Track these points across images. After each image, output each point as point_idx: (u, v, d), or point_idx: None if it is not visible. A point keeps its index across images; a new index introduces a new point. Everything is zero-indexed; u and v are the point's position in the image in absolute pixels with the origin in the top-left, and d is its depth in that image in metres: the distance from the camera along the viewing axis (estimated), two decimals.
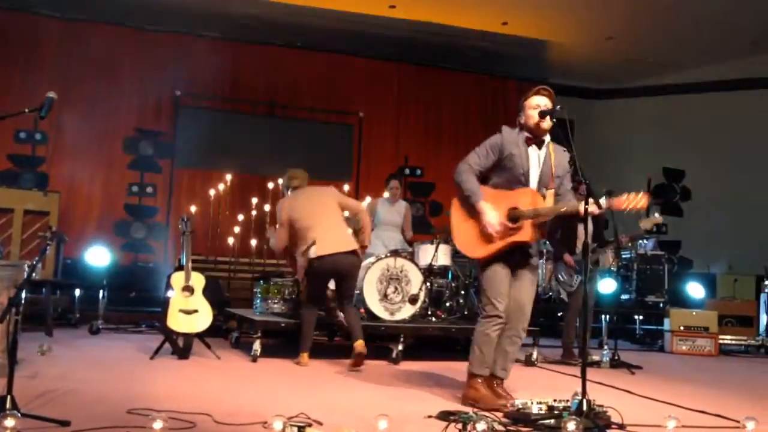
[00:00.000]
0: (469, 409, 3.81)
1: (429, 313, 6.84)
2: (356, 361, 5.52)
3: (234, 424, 3.35)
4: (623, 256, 9.04)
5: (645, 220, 6.55)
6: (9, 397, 3.07)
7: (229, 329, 7.23)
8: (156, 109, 10.72)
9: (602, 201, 3.91)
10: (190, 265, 5.80)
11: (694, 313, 8.65)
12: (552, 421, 3.51)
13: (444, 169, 11.87)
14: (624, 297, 9.26)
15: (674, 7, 9.82)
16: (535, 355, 6.47)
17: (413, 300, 6.44)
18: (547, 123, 4.13)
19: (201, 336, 5.87)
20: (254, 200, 8.95)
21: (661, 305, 9.18)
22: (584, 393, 3.53)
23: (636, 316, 9.50)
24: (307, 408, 3.56)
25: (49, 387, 4.04)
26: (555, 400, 3.69)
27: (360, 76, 11.81)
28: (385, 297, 6.38)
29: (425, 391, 4.68)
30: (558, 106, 4.12)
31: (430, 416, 3.70)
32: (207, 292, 5.87)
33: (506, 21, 10.66)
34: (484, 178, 4.32)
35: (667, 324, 8.60)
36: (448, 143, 12.21)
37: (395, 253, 6.62)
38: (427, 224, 10.12)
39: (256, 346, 5.77)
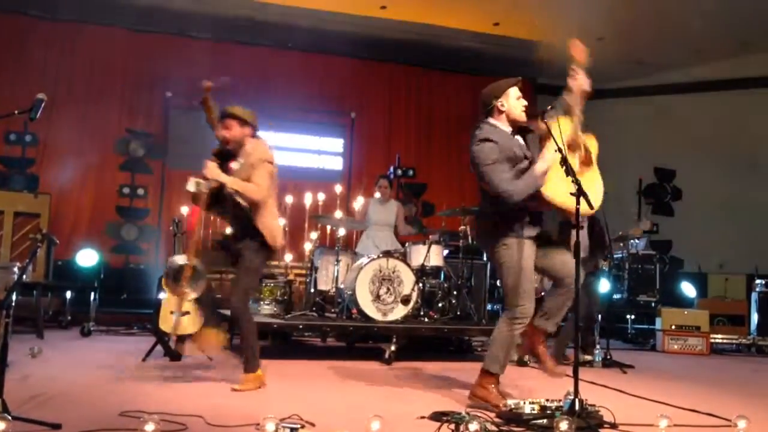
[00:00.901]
0: (461, 409, 3.81)
1: (421, 313, 6.85)
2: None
3: (226, 425, 3.34)
4: (615, 256, 9.07)
5: (635, 229, 6.55)
6: (0, 400, 3.06)
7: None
8: (147, 110, 10.69)
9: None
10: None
11: (685, 312, 8.68)
12: (544, 420, 3.51)
13: (436, 169, 11.94)
14: (616, 296, 9.29)
15: (664, 7, 9.87)
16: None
17: (406, 301, 6.44)
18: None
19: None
20: None
21: (653, 304, 9.22)
22: (576, 392, 3.54)
23: (628, 316, 9.53)
24: (300, 409, 3.56)
25: (40, 389, 4.02)
26: (547, 400, 3.70)
27: (351, 76, 11.81)
28: (377, 298, 6.38)
29: (418, 392, 4.68)
30: (549, 107, 4.12)
31: (422, 417, 3.69)
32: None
33: (498, 22, 10.69)
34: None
35: (658, 323, 8.64)
36: (439, 143, 12.23)
37: (387, 254, 6.62)
38: (419, 224, 10.13)
39: None
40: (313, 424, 3.34)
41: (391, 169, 10.62)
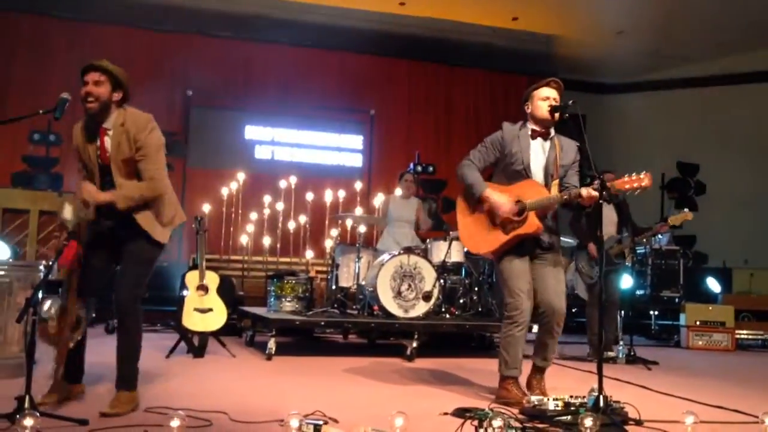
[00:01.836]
0: (485, 406, 3.80)
1: (443, 310, 6.84)
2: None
3: (250, 422, 3.35)
4: (638, 251, 8.99)
5: (674, 217, 6.51)
6: (27, 396, 3.09)
7: (243, 328, 7.26)
8: (168, 109, 10.75)
9: (597, 184, 3.85)
10: (204, 264, 5.82)
11: (710, 308, 8.59)
12: (569, 417, 3.49)
13: (455, 165, 11.82)
14: (639, 292, 9.21)
15: None
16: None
17: (427, 297, 6.43)
18: (555, 115, 4.11)
19: (216, 334, 5.90)
20: (267, 199, 8.96)
21: (677, 300, 9.13)
22: (601, 389, 3.51)
23: (651, 312, 9.45)
24: (323, 406, 3.56)
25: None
26: (571, 397, 3.68)
27: (371, 73, 11.80)
28: (398, 294, 6.37)
29: (440, 388, 4.67)
30: (570, 101, 4.09)
31: (445, 413, 3.69)
32: (221, 291, 5.88)
33: (516, 16, 10.64)
34: (489, 177, 4.29)
35: (683, 319, 8.55)
36: (459, 140, 12.18)
37: (408, 251, 6.61)
38: (439, 221, 10.11)
39: (271, 344, 5.77)
40: (336, 421, 3.35)
41: (411, 165, 10.62)
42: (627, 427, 3.50)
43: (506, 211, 4.07)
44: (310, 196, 8.72)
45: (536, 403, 3.66)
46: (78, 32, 10.37)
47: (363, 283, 6.74)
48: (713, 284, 10.10)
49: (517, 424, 3.39)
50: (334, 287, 7.09)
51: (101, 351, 4.21)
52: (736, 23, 10.38)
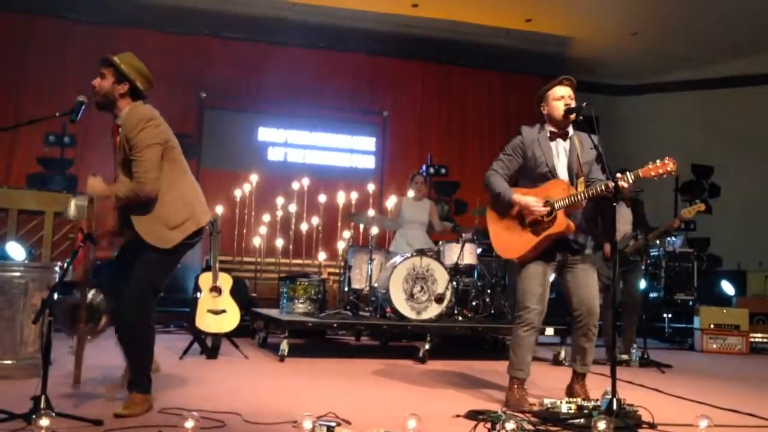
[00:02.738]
0: (498, 408, 3.80)
1: (455, 312, 6.83)
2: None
3: (263, 423, 3.37)
4: (652, 254, 8.95)
5: (686, 209, 6.49)
6: (43, 396, 3.12)
7: (256, 329, 7.28)
8: (182, 110, 10.80)
9: (629, 175, 3.86)
10: (217, 265, 5.84)
11: (724, 311, 8.53)
12: (582, 420, 3.48)
13: (468, 167, 11.89)
14: (653, 295, 9.16)
15: (700, 0, 9.71)
16: (563, 354, 6.42)
17: (439, 299, 6.43)
18: (571, 117, 4.10)
19: (229, 336, 5.92)
20: (280, 200, 8.99)
21: (691, 303, 9.07)
22: (614, 392, 3.50)
23: (665, 315, 9.39)
24: (336, 407, 3.57)
25: (81, 387, 4.10)
26: (584, 399, 3.66)
27: (383, 75, 11.82)
28: (411, 296, 6.38)
29: (453, 391, 4.67)
30: (584, 103, 4.07)
31: (458, 415, 3.69)
32: (234, 293, 5.91)
33: (530, 18, 10.61)
34: (514, 183, 4.28)
35: (696, 322, 8.49)
36: (472, 142, 12.18)
37: (421, 253, 6.61)
38: (452, 223, 10.11)
39: (284, 345, 5.79)
40: (349, 422, 3.36)
41: (424, 167, 10.62)
42: (640, 431, 3.49)
43: (535, 211, 4.05)
44: (322, 198, 8.74)
45: (549, 405, 3.66)
46: (93, 34, 10.43)
47: (375, 285, 6.75)
48: (727, 287, 10.03)
49: (530, 427, 3.39)
50: (346, 289, 7.11)
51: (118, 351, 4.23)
52: (750, 25, 10.31)
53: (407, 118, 11.92)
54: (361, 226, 8.34)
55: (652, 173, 3.86)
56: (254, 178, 9.19)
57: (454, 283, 6.72)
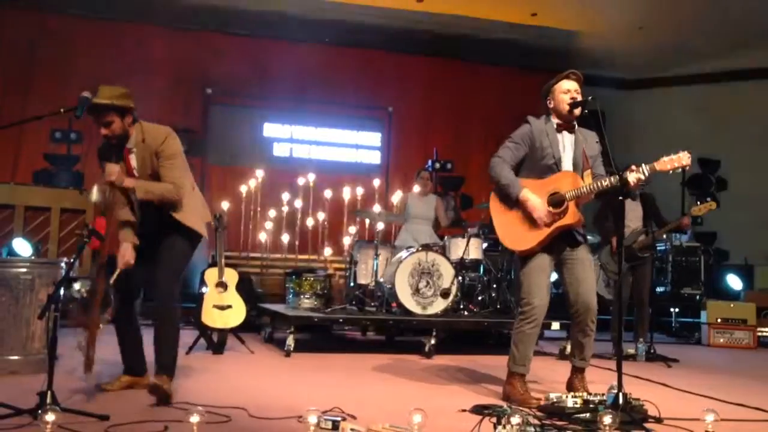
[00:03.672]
0: (503, 403, 3.79)
1: (461, 307, 6.83)
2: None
3: (269, 418, 3.37)
4: (659, 248, 8.92)
5: (697, 207, 6.47)
6: (49, 392, 3.13)
7: (262, 324, 7.30)
8: (187, 106, 10.82)
9: (644, 167, 3.85)
10: (223, 261, 5.85)
11: (731, 305, 8.50)
12: (587, 414, 3.47)
13: (474, 162, 11.86)
14: (660, 289, 9.14)
15: None
16: (569, 349, 6.39)
17: (445, 294, 6.42)
18: (576, 110, 4.08)
19: (235, 331, 5.93)
20: (285, 196, 8.99)
21: (698, 297, 9.04)
22: (620, 386, 3.49)
23: (672, 309, 9.36)
24: (341, 402, 3.58)
25: (88, 382, 4.11)
26: (590, 394, 3.66)
27: (388, 70, 11.79)
28: (417, 291, 6.38)
29: (458, 385, 4.67)
30: (590, 97, 4.06)
31: (463, 410, 3.69)
32: (240, 288, 5.92)
33: (535, 12, 10.55)
34: (516, 172, 4.25)
35: (704, 316, 8.47)
36: (477, 136, 12.14)
37: (427, 248, 6.61)
38: (458, 217, 10.10)
39: (290, 341, 5.80)
40: (354, 417, 3.36)
41: (429, 162, 10.60)
42: (647, 425, 3.48)
43: (542, 216, 4.01)
44: (328, 194, 8.74)
45: (555, 400, 3.65)
46: (99, 31, 10.45)
47: (381, 280, 6.75)
48: (734, 281, 9.98)
49: (536, 422, 3.38)
50: (352, 284, 7.11)
51: (118, 350, 4.23)
52: (757, 17, 10.24)
53: (413, 114, 11.90)
54: (367, 222, 8.33)
55: (668, 166, 3.85)
56: (260, 173, 9.19)
57: (460, 277, 6.72)
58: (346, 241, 8.10)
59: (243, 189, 9.06)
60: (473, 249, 6.98)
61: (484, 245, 7.34)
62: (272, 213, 8.79)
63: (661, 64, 12.25)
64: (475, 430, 3.15)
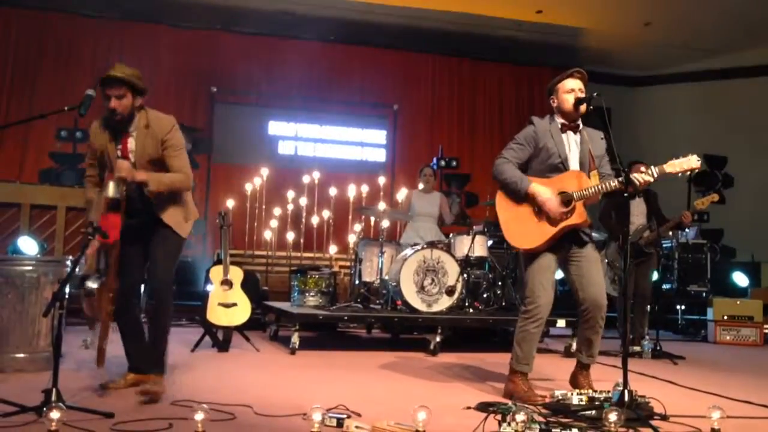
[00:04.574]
0: (508, 401, 3.78)
1: (466, 304, 6.82)
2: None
3: (274, 415, 3.37)
4: (665, 246, 8.89)
5: (699, 200, 6.45)
6: (54, 389, 3.14)
7: (267, 322, 7.30)
8: (193, 105, 10.85)
9: (653, 169, 3.83)
10: (228, 259, 5.86)
11: (738, 302, 8.47)
12: (593, 412, 3.46)
13: (479, 159, 11.86)
14: (666, 287, 9.11)
15: None
16: (575, 346, 6.39)
17: (450, 291, 6.42)
18: (582, 108, 4.06)
19: (240, 329, 5.94)
20: (290, 194, 9.00)
21: (704, 295, 9.01)
22: (626, 383, 3.48)
23: (678, 306, 9.34)
24: (346, 400, 3.57)
25: (93, 380, 4.12)
26: (596, 391, 3.64)
27: (394, 68, 11.80)
28: (422, 289, 6.37)
29: (463, 383, 4.66)
30: (595, 93, 4.03)
31: (468, 407, 3.68)
32: (245, 286, 5.92)
33: (541, 9, 10.54)
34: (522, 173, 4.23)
35: (710, 314, 8.45)
36: (483, 134, 12.14)
37: (432, 245, 6.60)
38: (463, 215, 10.09)
39: (295, 338, 5.80)
40: (359, 415, 3.36)
41: (435, 160, 10.60)
42: (652, 422, 3.46)
43: (553, 208, 3.98)
44: (333, 191, 8.75)
45: (560, 397, 3.64)
46: (104, 30, 10.48)
47: (386, 277, 6.75)
48: (741, 278, 9.95)
49: (541, 419, 3.37)
50: (357, 282, 7.11)
51: (123, 348, 4.24)
52: (763, 14, 10.20)
53: (418, 111, 11.90)
54: (372, 219, 8.32)
55: (677, 169, 3.83)
56: (265, 171, 9.20)
57: (465, 275, 6.71)
58: (351, 238, 8.10)
59: (248, 187, 9.07)
60: (478, 246, 6.97)
61: (489, 242, 7.32)
62: (277, 211, 8.80)
63: (667, 61, 12.21)
64: (480, 427, 3.14)
